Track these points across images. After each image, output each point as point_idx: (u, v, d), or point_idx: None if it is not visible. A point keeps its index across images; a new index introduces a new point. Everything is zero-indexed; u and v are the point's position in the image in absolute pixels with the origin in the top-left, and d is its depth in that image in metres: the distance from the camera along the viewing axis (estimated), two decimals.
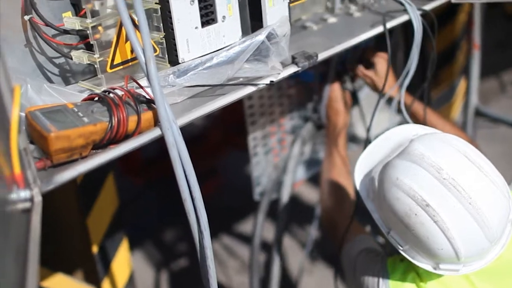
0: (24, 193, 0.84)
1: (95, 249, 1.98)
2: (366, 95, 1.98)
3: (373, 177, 1.25)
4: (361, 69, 1.73)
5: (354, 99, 1.90)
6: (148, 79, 0.99)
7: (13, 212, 0.84)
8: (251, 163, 1.83)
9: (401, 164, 1.17)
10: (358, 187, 1.30)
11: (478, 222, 1.10)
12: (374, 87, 1.72)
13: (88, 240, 1.97)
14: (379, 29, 1.45)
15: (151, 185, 3.38)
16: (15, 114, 0.82)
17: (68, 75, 1.25)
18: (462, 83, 3.13)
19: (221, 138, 2.98)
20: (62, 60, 1.22)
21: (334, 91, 1.80)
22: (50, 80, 1.23)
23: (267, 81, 1.17)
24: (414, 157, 1.16)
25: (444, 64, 3.00)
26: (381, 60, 1.69)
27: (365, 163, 1.32)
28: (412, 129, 1.33)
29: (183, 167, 1.01)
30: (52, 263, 1.92)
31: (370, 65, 1.72)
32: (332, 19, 1.53)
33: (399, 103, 1.59)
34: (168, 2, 1.10)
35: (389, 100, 1.67)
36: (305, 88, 1.89)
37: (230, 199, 3.17)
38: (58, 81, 1.24)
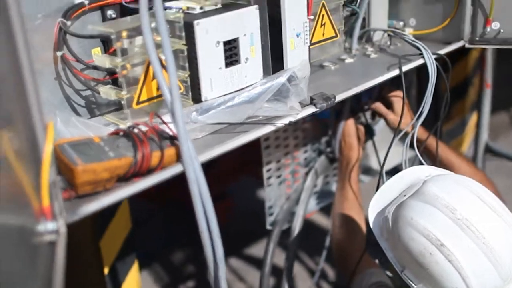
0: (51, 225, 0.88)
1: (106, 270, 2.01)
2: (380, 129, 2.01)
3: (386, 217, 1.28)
4: (378, 105, 1.77)
5: (368, 134, 1.94)
6: (173, 118, 1.03)
7: (40, 243, 0.88)
8: (264, 193, 1.87)
9: (416, 205, 1.20)
10: (371, 226, 1.33)
11: (492, 261, 1.13)
12: (390, 124, 1.76)
13: (100, 262, 2.01)
14: (395, 72, 1.49)
15: (161, 207, 3.42)
16: (47, 151, 0.86)
17: (93, 107, 1.30)
18: (473, 118, 3.17)
19: (235, 164, 3.02)
20: (88, 92, 1.27)
21: (348, 126, 1.83)
22: (76, 111, 1.29)
23: (286, 121, 1.21)
24: (428, 197, 1.19)
25: (456, 99, 3.04)
26: (398, 99, 1.73)
27: (378, 202, 1.35)
28: (425, 170, 1.36)
29: (202, 202, 1.05)
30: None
31: (387, 102, 1.76)
32: (349, 60, 1.58)
33: (413, 138, 1.61)
34: (195, 44, 1.15)
35: (404, 135, 1.70)
36: (319, 123, 1.93)
37: (242, 224, 3.20)
38: (83, 112, 1.29)
